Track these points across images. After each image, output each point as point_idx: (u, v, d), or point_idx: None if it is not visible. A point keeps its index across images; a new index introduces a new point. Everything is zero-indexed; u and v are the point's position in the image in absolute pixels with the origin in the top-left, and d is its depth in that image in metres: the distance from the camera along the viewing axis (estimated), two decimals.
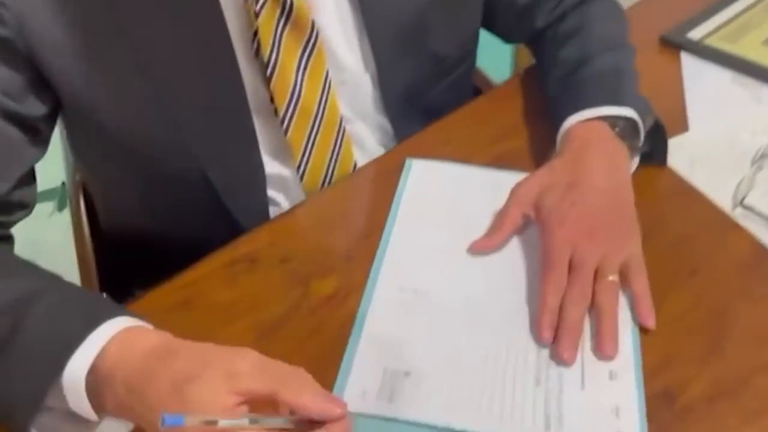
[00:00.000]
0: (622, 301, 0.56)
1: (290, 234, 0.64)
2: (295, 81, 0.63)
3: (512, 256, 0.61)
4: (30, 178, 0.62)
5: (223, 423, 0.41)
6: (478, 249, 0.61)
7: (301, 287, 0.59)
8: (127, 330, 0.47)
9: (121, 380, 0.44)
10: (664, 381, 0.51)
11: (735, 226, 0.63)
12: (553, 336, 0.53)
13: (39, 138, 0.61)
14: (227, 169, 0.65)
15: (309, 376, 0.44)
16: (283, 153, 0.67)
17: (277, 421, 0.43)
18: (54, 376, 0.45)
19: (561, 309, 0.54)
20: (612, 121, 0.64)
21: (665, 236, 0.61)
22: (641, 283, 0.56)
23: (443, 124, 0.73)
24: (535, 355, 0.53)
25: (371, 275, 0.59)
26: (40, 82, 0.58)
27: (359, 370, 0.52)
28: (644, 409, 0.49)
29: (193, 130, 0.62)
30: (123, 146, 0.63)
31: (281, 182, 0.69)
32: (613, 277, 0.55)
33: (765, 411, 0.48)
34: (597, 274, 0.55)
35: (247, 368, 0.43)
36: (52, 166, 0.80)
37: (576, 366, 0.52)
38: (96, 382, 0.45)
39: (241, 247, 0.62)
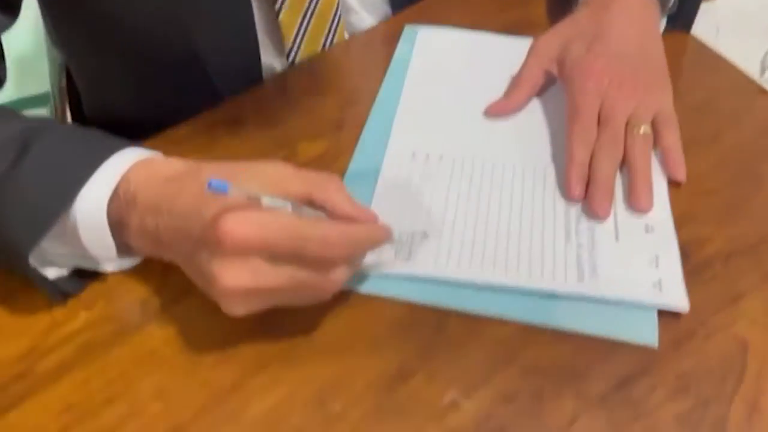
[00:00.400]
0: (655, 157, 0.51)
1: (278, 99, 0.60)
2: None
3: (535, 118, 0.56)
4: None
5: (266, 200, 0.38)
6: (496, 112, 0.56)
7: (288, 149, 0.54)
8: (148, 159, 0.43)
9: (147, 200, 0.41)
10: (680, 238, 0.46)
11: (762, 91, 0.57)
12: (584, 192, 0.49)
13: (6, 2, 0.56)
14: (224, 53, 0.60)
15: (342, 183, 0.42)
16: (275, 42, 0.62)
17: (318, 214, 0.40)
18: (64, 204, 0.40)
19: (591, 163, 0.49)
20: None
21: (689, 101, 0.56)
22: (673, 136, 0.51)
23: None
24: (563, 212, 0.48)
25: (364, 139, 0.54)
26: None
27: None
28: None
29: (191, 6, 0.56)
30: (113, 26, 0.58)
31: (272, 73, 0.64)
32: (645, 129, 0.50)
33: None
34: (627, 127, 0.51)
35: (281, 171, 0.40)
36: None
37: (609, 220, 0.48)
38: (118, 209, 0.41)
39: (225, 110, 0.58)
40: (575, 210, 0.49)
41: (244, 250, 0.37)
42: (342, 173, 0.52)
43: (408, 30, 0.63)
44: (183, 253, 0.41)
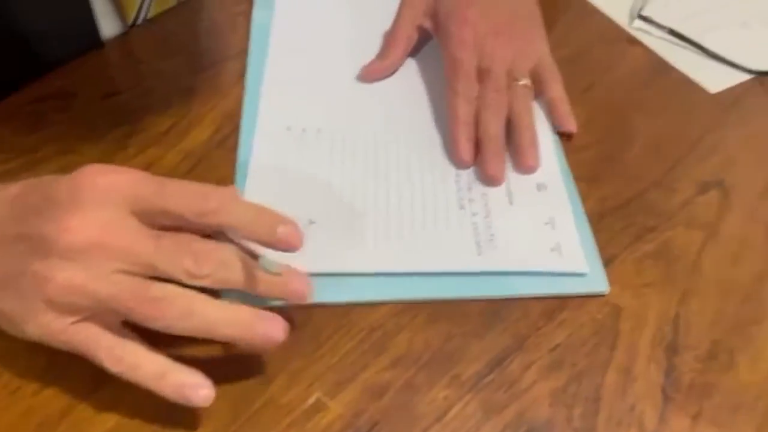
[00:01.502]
0: (540, 109, 0.49)
1: (116, 66, 0.53)
2: None
3: (414, 78, 0.52)
4: None
5: None
6: (370, 75, 0.51)
7: (128, 125, 0.48)
8: None
9: None
10: None
11: (632, 40, 0.56)
12: (474, 154, 0.45)
13: None
14: (49, 14, 0.50)
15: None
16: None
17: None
18: None
19: (478, 122, 0.46)
20: None
21: (559, 54, 0.53)
22: (557, 85, 0.49)
23: None
24: (453, 179, 0.45)
25: (246, 115, 0.48)
26: None
27: None
28: (584, 218, 0.43)
29: None
30: None
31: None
32: (525, 81, 0.48)
33: (658, 226, 0.44)
34: (507, 80, 0.48)
35: (142, 189, 0.33)
36: None
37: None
38: None
39: (54, 81, 0.50)
40: (466, 175, 0.45)
41: (107, 195, 0.32)
42: (193, 149, 0.46)
43: None
44: None
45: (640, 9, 0.57)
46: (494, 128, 0.46)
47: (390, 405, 0.36)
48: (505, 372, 0.37)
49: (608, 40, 0.56)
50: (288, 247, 0.34)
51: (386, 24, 0.54)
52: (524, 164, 0.46)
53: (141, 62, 0.53)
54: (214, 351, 0.37)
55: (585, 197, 0.45)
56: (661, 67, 0.54)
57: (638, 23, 0.57)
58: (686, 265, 0.42)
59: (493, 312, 0.39)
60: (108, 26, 0.54)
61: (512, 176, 0.46)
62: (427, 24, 0.52)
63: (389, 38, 0.52)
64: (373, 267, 0.40)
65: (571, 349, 0.38)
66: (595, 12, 0.59)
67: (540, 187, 0.45)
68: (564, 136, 0.49)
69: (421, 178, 0.45)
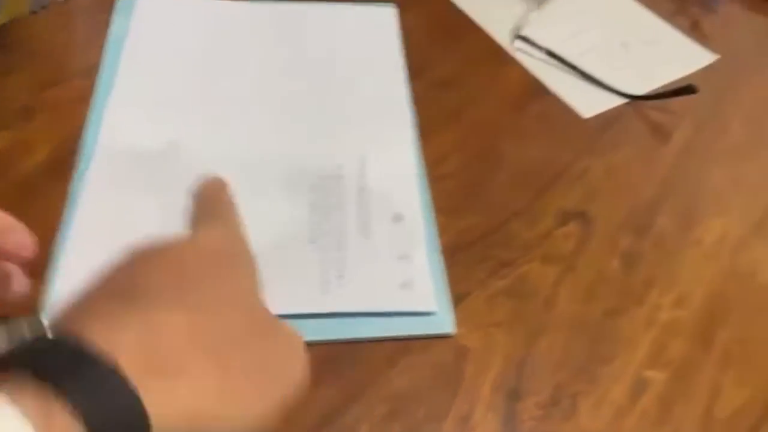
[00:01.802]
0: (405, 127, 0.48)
1: None
2: None
3: (269, 96, 0.49)
4: None
5: None
6: None
7: None
8: None
9: None
10: None
11: (511, 61, 0.55)
12: None
13: None
14: None
15: None
16: None
17: None
18: None
19: None
20: None
21: (435, 76, 0.52)
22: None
23: None
24: (308, 209, 0.42)
25: (87, 138, 0.45)
26: None
27: (74, 259, 0.38)
28: (438, 252, 0.41)
29: None
30: None
31: None
32: None
33: (515, 261, 0.42)
34: None
35: None
36: None
37: (355, 214, 0.43)
38: None
39: None
40: (321, 206, 0.43)
41: None
42: (24, 176, 0.43)
43: (123, 1, 0.54)
44: None
45: (520, 29, 0.56)
46: None
47: None
48: (337, 426, 0.35)
49: (487, 60, 0.55)
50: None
51: (241, 42, 0.52)
52: None
53: None
54: None
55: (443, 230, 0.43)
56: (537, 90, 0.53)
57: (518, 44, 0.56)
58: (539, 302, 0.41)
59: (332, 358, 0.37)
60: None
61: (371, 207, 0.44)
62: None
63: None
64: None
65: (411, 397, 0.36)
66: (478, 30, 0.57)
67: (397, 218, 0.43)
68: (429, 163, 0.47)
69: (272, 207, 0.43)
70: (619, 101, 0.53)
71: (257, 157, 0.45)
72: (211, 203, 0.31)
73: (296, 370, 0.28)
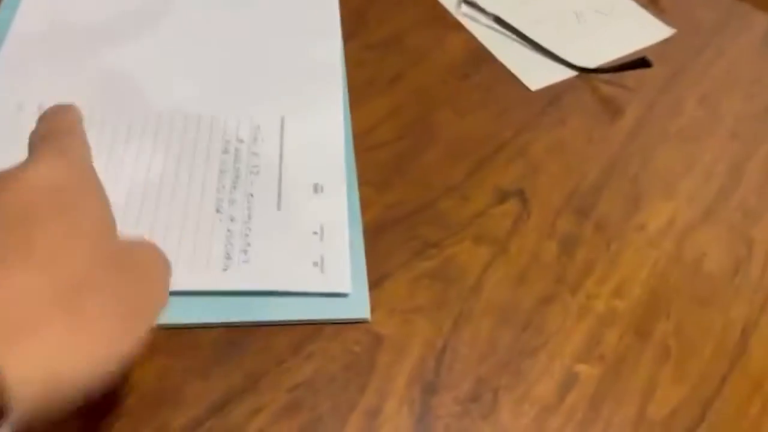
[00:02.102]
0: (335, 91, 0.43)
1: None
2: None
3: (185, 41, 0.45)
4: None
5: None
6: None
7: None
8: None
9: None
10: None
11: (456, 26, 0.51)
12: None
13: None
14: None
15: None
16: None
17: None
18: None
19: None
20: None
21: (371, 36, 0.48)
22: None
23: None
24: (217, 174, 0.38)
25: None
26: None
27: None
28: (360, 228, 0.37)
29: None
30: None
31: None
32: None
33: (442, 241, 0.38)
34: None
35: None
36: None
37: (271, 182, 0.38)
38: None
39: None
40: (232, 171, 0.39)
41: None
42: None
43: None
44: None
45: None
46: None
47: None
48: (226, 418, 0.31)
49: (430, 23, 0.51)
50: None
51: (147, 6, 0.47)
52: None
53: None
54: None
55: (368, 205, 0.39)
56: (482, 59, 0.49)
57: (465, 8, 0.52)
58: (465, 286, 0.37)
59: (229, 342, 0.33)
60: None
61: (286, 176, 0.39)
62: None
63: None
64: None
65: (315, 388, 0.32)
66: None
67: (317, 188, 0.39)
68: (360, 132, 0.43)
69: (178, 167, 0.38)
70: (569, 74, 0.49)
71: (166, 108, 0.41)
72: (54, 132, 0.27)
73: (159, 293, 0.27)
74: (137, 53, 0.44)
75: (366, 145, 0.42)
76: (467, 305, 0.36)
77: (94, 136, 0.37)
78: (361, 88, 0.45)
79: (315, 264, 0.36)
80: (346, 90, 0.45)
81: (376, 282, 0.36)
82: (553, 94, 0.48)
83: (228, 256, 0.35)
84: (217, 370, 0.32)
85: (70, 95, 0.39)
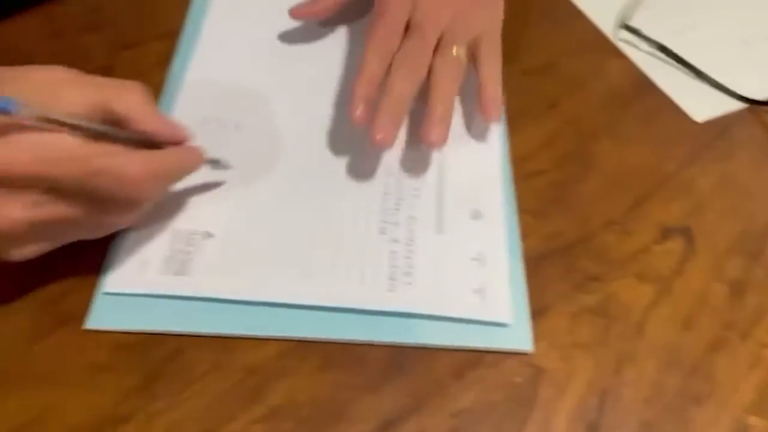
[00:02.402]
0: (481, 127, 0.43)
1: (34, 36, 0.48)
2: None
3: (346, 78, 0.46)
4: None
5: (70, 121, 0.30)
6: (297, 12, 0.46)
7: None
8: None
9: None
10: None
11: (615, 53, 0.50)
12: (368, 115, 0.38)
13: None
14: None
15: (147, 91, 0.33)
16: None
17: (127, 135, 0.32)
18: None
19: (386, 79, 0.39)
20: None
21: (530, 62, 0.48)
22: (491, 65, 0.42)
23: None
24: (380, 196, 0.39)
25: (163, 103, 0.43)
26: None
27: (140, 234, 0.37)
28: (520, 258, 0.38)
29: None
30: None
31: None
32: (458, 51, 0.41)
33: (604, 276, 0.38)
34: (438, 44, 0.41)
35: (63, 76, 0.31)
36: None
37: (430, 205, 0.39)
38: None
39: None
40: (396, 192, 0.40)
41: (21, 182, 0.30)
42: None
43: None
44: None
45: (628, 18, 0.51)
46: (400, 88, 0.39)
47: None
48: None
49: (587, 49, 0.50)
50: None
51: (326, 23, 0.49)
52: (425, 138, 0.39)
53: (62, 33, 0.48)
54: (76, 376, 0.32)
55: (526, 233, 0.39)
56: (643, 87, 0.48)
57: (624, 34, 0.51)
58: (629, 325, 0.36)
59: (394, 362, 0.34)
60: None
61: (447, 198, 0.40)
62: None
63: None
64: (264, 295, 0.35)
65: (477, 416, 0.33)
66: (580, 17, 0.52)
67: (476, 214, 0.40)
68: (517, 159, 0.43)
69: (342, 192, 0.40)
70: (738, 105, 0.47)
71: (333, 137, 0.43)
72: None
73: None
74: (302, 82, 0.46)
75: (523, 172, 0.42)
76: (631, 345, 0.35)
77: (274, 166, 0.40)
78: (517, 115, 0.45)
79: (476, 291, 0.36)
80: (504, 116, 0.45)
81: (537, 312, 0.36)
82: (720, 126, 0.46)
83: (393, 277, 0.36)
84: (385, 389, 0.33)
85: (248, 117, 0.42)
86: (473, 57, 0.43)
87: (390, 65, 0.40)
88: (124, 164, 0.31)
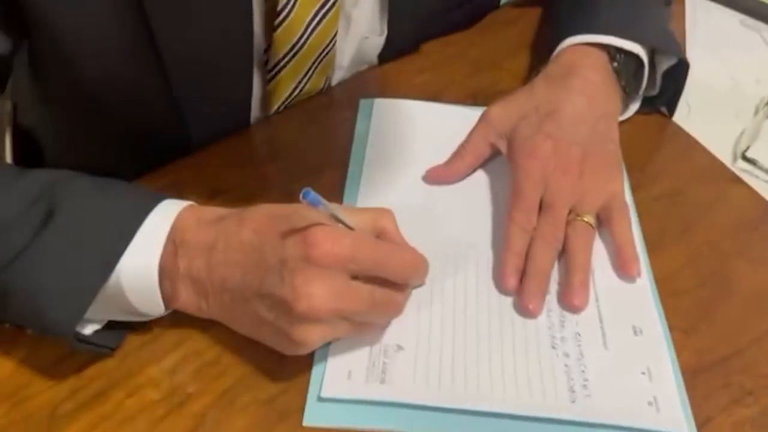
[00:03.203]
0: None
1: (222, 165, 0.56)
2: (302, 34, 0.53)
3: (494, 202, 0.52)
4: None
5: (349, 222, 0.39)
6: (433, 177, 0.53)
7: None
8: (193, 205, 0.43)
9: (199, 240, 0.40)
10: None
11: (735, 180, 0.55)
12: (519, 284, 0.45)
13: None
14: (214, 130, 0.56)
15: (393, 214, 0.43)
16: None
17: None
18: (105, 274, 0.38)
19: (528, 253, 0.46)
20: (613, 52, 0.55)
21: (659, 189, 0.54)
22: (623, 227, 0.48)
23: (419, 52, 0.64)
24: (545, 314, 0.44)
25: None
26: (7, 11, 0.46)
27: (341, 347, 0.42)
28: (679, 371, 0.42)
29: (182, 75, 0.51)
30: (95, 91, 0.51)
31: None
32: (588, 218, 0.48)
33: (756, 390, 0.41)
34: (570, 216, 0.48)
35: (362, 256, 0.39)
36: None
37: (593, 322, 0.44)
38: (165, 258, 0.39)
39: (163, 177, 0.53)
40: (558, 311, 0.45)
41: (333, 263, 0.37)
42: None
43: (364, 103, 0.59)
44: (240, 289, 0.39)
45: (745, 149, 0.56)
46: (541, 261, 0.46)
47: None
48: None
49: (709, 178, 0.55)
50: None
51: None
52: (569, 303, 0.45)
53: (246, 164, 0.56)
54: None
55: (680, 348, 0.43)
56: (765, 212, 0.53)
57: (742, 164, 0.56)
58: None
59: None
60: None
61: (606, 316, 0.45)
62: (501, 145, 0.53)
63: (460, 149, 0.54)
64: (457, 403, 0.40)
65: None
66: (698, 147, 0.58)
67: (636, 331, 0.44)
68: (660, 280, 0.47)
69: (510, 308, 0.45)
70: None
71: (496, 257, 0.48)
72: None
73: None
74: (456, 208, 0.52)
75: (668, 291, 0.47)
76: None
77: (445, 284, 0.46)
78: (655, 239, 0.50)
79: (650, 404, 0.40)
80: (643, 238, 0.50)
81: (701, 424, 0.40)
82: None
83: (572, 390, 0.41)
84: None
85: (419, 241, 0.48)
86: (604, 220, 0.49)
87: (531, 240, 0.47)
88: (401, 253, 0.41)
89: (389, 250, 0.40)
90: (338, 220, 0.39)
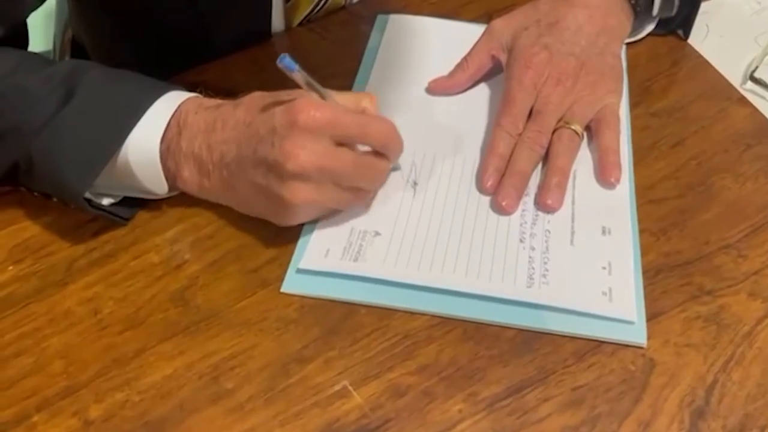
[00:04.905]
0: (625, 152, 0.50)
1: (245, 70, 0.60)
2: None
3: (490, 114, 0.54)
4: (24, 30, 0.54)
5: (330, 96, 0.43)
6: (435, 89, 0.55)
7: None
8: (196, 96, 0.46)
9: (198, 123, 0.44)
10: None
11: (740, 100, 0.54)
12: (497, 184, 0.48)
13: None
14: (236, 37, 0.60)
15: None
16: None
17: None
18: (114, 145, 0.43)
19: (511, 156, 0.48)
20: None
21: (661, 105, 0.54)
22: (609, 136, 0.50)
23: None
24: (519, 212, 0.47)
25: None
26: None
27: (324, 228, 0.46)
28: (639, 268, 0.44)
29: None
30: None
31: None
32: (575, 127, 0.49)
33: (717, 290, 0.42)
34: (558, 124, 0.49)
35: (345, 124, 0.42)
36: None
37: (565, 221, 0.46)
38: (168, 140, 0.44)
39: (184, 79, 0.58)
40: (532, 210, 0.47)
41: (317, 128, 0.41)
42: None
43: (380, 18, 0.62)
44: (236, 161, 0.43)
45: (754, 70, 0.55)
46: (521, 164, 0.48)
47: (406, 406, 0.38)
48: (522, 400, 0.38)
49: (714, 96, 0.55)
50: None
51: None
52: (542, 203, 0.47)
53: (263, 70, 0.60)
54: (268, 325, 0.42)
55: (647, 249, 0.45)
56: (766, 132, 0.52)
57: (750, 85, 0.55)
58: (738, 333, 0.41)
59: (523, 341, 0.41)
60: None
61: (579, 216, 0.47)
62: (502, 57, 0.54)
63: (462, 61, 0.56)
64: (419, 279, 0.43)
65: (594, 392, 0.39)
66: (707, 68, 0.57)
67: (605, 231, 0.46)
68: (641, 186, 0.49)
69: (486, 206, 0.48)
70: None
71: (478, 161, 0.50)
72: None
73: None
74: (453, 110, 0.55)
75: (647, 198, 0.48)
76: (739, 350, 0.40)
77: (432, 179, 0.49)
78: (644, 150, 0.51)
79: (604, 294, 0.42)
80: (631, 149, 0.51)
81: (652, 316, 0.42)
82: None
83: (531, 277, 0.43)
84: (515, 362, 0.40)
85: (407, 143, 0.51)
86: (594, 131, 0.50)
87: (515, 145, 0.49)
88: (382, 121, 0.44)
89: (369, 118, 0.44)
90: (312, 88, 0.42)
